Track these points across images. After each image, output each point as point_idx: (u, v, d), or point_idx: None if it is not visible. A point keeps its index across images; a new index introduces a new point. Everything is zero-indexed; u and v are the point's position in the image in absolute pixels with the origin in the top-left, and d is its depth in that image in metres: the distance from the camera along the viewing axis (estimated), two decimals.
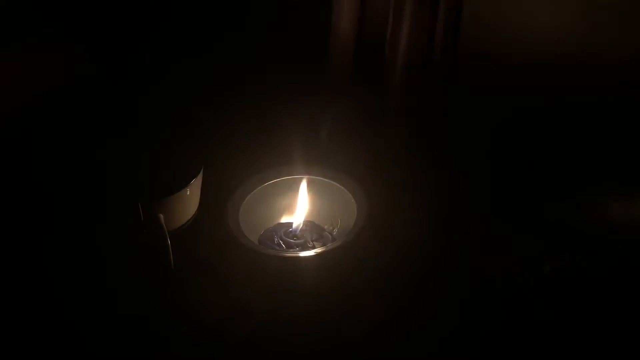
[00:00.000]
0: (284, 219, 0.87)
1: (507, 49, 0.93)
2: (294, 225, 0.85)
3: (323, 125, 0.97)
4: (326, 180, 0.87)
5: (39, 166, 0.84)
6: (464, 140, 0.95)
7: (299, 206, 0.86)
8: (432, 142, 0.96)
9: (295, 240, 0.83)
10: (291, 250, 0.82)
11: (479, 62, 0.94)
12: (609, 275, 0.78)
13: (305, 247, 0.83)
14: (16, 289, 0.78)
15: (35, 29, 0.90)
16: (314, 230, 0.85)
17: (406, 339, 0.75)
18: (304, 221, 0.86)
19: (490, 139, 0.95)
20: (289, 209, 0.87)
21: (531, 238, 0.83)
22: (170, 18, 0.97)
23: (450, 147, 0.95)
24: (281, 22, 0.99)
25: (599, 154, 0.90)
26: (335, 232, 0.85)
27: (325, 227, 0.86)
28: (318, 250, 0.80)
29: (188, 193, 0.79)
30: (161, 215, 0.76)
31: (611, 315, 0.75)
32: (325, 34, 0.94)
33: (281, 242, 0.83)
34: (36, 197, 0.83)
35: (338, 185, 0.86)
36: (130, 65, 0.97)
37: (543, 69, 0.92)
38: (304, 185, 0.86)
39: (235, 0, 0.98)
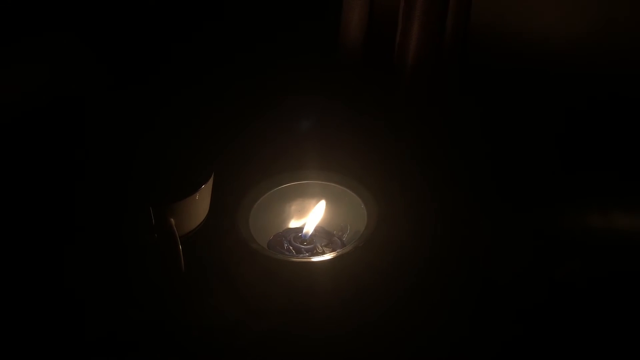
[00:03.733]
0: (293, 224, 0.88)
1: (515, 50, 0.93)
2: (304, 231, 0.85)
3: (331, 129, 0.98)
4: (335, 185, 0.87)
5: (50, 171, 0.84)
6: (471, 144, 0.96)
7: (312, 217, 0.86)
8: (440, 146, 0.96)
9: (304, 245, 0.84)
10: (301, 255, 0.82)
11: (486, 63, 0.95)
12: (621, 280, 0.78)
13: (314, 253, 0.83)
14: (28, 291, 0.78)
15: (48, 32, 0.90)
16: (323, 235, 0.85)
17: (416, 343, 0.75)
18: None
19: (499, 143, 0.95)
20: (299, 214, 0.88)
21: (541, 243, 0.83)
22: (182, 24, 0.98)
23: (457, 151, 0.95)
24: (290, 25, 0.99)
25: (610, 158, 0.90)
26: (344, 237, 0.86)
27: (335, 232, 0.86)
28: (328, 255, 0.80)
29: (198, 198, 0.79)
30: (172, 220, 0.77)
31: (622, 320, 0.75)
32: (335, 37, 0.94)
33: (291, 247, 0.84)
34: (47, 201, 0.83)
35: (348, 190, 0.86)
36: (140, 71, 0.97)
37: (552, 71, 0.92)
38: (322, 204, 0.87)
39: (246, 6, 0.99)
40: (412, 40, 0.89)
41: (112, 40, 0.95)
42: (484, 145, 0.95)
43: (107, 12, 0.94)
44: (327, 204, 0.87)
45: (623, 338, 0.74)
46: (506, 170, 0.93)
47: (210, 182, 0.81)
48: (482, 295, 0.78)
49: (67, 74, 0.93)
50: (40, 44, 0.90)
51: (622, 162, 0.89)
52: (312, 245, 0.84)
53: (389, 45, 0.93)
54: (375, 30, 0.93)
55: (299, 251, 0.83)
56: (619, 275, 0.79)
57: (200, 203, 0.80)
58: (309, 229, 0.85)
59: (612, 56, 0.90)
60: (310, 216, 0.86)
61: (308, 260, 0.79)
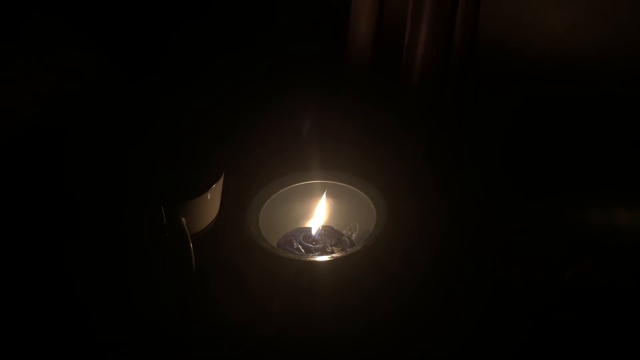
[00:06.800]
0: (303, 224, 0.88)
1: (525, 51, 0.93)
2: (313, 230, 0.86)
3: (340, 128, 0.98)
4: (344, 185, 0.88)
5: (62, 169, 0.85)
6: (480, 144, 0.96)
7: (318, 212, 0.87)
8: (448, 146, 0.96)
9: (314, 244, 0.84)
10: (310, 254, 0.83)
11: (495, 64, 0.95)
12: (633, 280, 0.79)
13: (324, 252, 0.83)
14: (38, 290, 0.79)
15: (53, 32, 0.91)
16: (332, 234, 0.86)
17: (425, 343, 0.75)
18: (322, 226, 0.87)
19: (508, 142, 0.95)
20: (308, 213, 0.88)
21: (552, 242, 0.84)
22: (190, 23, 0.98)
23: (467, 151, 0.95)
24: (299, 27, 1.00)
25: (620, 158, 0.90)
26: (353, 236, 0.86)
27: (344, 231, 0.87)
28: (337, 255, 0.81)
29: (209, 197, 0.80)
30: (183, 219, 0.77)
31: (635, 321, 0.75)
32: (343, 38, 0.94)
33: (300, 247, 0.84)
34: (59, 199, 0.83)
35: (356, 190, 0.87)
36: (148, 69, 0.98)
37: (561, 71, 0.92)
38: (323, 198, 0.87)
39: (256, 6, 0.99)
40: (420, 42, 0.89)
41: (118, 40, 0.95)
42: (495, 145, 0.96)
43: (110, 13, 0.94)
44: (336, 203, 0.88)
45: (636, 339, 0.74)
46: (518, 170, 0.93)
47: (221, 181, 0.81)
48: (492, 296, 0.79)
49: (71, 75, 0.94)
50: (42, 45, 0.90)
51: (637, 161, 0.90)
52: (321, 245, 0.84)
53: (397, 46, 0.93)
54: (384, 31, 0.93)
55: (308, 250, 0.84)
56: (633, 275, 0.79)
57: (211, 202, 0.81)
58: (317, 228, 0.85)
59: (615, 52, 0.90)
60: (315, 215, 0.86)
61: (317, 259, 0.80)
